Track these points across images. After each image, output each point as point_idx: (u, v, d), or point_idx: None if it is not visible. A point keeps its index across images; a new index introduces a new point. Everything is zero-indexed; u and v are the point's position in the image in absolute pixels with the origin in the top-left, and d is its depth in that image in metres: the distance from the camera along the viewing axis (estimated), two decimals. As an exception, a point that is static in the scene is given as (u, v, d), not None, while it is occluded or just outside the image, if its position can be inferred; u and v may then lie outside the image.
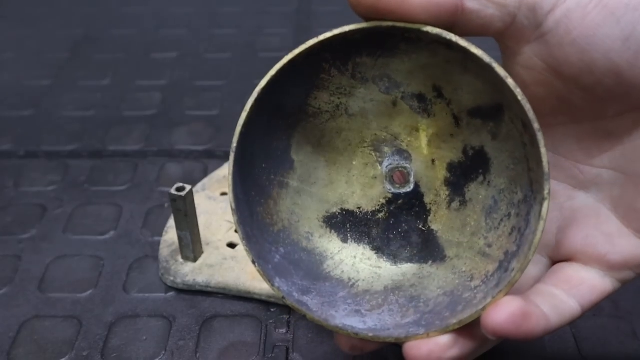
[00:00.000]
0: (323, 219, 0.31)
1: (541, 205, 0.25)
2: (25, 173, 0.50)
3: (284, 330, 0.37)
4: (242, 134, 0.27)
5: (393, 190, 0.31)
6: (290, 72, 0.27)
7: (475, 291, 0.27)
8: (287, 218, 0.31)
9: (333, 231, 0.31)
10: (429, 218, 0.30)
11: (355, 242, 0.31)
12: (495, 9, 0.26)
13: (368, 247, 0.31)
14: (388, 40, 0.27)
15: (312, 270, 0.30)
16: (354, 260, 0.31)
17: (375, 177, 0.31)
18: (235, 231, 0.42)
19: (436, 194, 0.30)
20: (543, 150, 0.24)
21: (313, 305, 0.28)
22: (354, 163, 0.31)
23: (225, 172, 0.48)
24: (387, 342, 0.27)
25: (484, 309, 0.25)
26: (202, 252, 0.41)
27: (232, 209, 0.27)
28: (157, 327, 0.38)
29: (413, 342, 0.27)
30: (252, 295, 0.39)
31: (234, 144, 0.27)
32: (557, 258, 0.29)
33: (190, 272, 0.40)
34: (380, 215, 0.31)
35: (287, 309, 0.39)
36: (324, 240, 0.31)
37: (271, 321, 0.38)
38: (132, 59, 0.64)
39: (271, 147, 0.30)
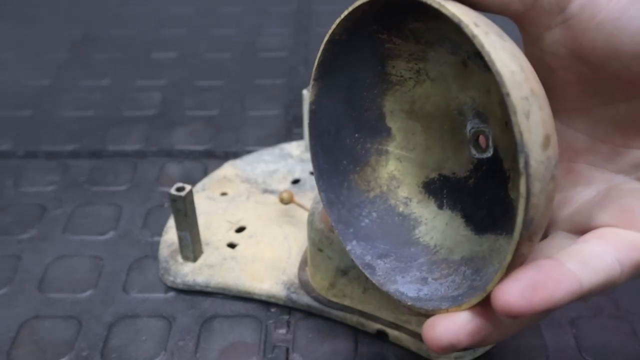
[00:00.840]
0: (422, 185, 0.32)
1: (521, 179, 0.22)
2: (24, 173, 0.50)
3: (283, 331, 0.37)
4: (312, 111, 0.30)
5: (477, 155, 0.30)
6: (350, 46, 0.29)
7: None
8: (386, 184, 0.32)
9: (431, 197, 0.32)
10: (508, 186, 0.29)
11: (449, 208, 0.31)
12: None
13: (459, 214, 0.31)
14: (419, 5, 0.26)
15: (402, 235, 0.31)
16: (444, 227, 0.31)
17: (463, 142, 0.31)
18: (236, 231, 0.42)
19: (512, 159, 0.29)
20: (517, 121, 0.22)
21: (380, 269, 0.29)
22: (445, 127, 0.31)
23: (224, 172, 0.47)
24: (421, 311, 0.27)
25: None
26: (202, 252, 0.41)
27: (315, 179, 0.30)
28: (157, 327, 0.38)
29: (430, 320, 0.25)
30: (252, 296, 0.39)
31: (306, 121, 0.29)
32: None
33: (190, 272, 0.40)
34: (471, 181, 0.31)
35: (287, 309, 0.39)
36: (421, 205, 0.32)
37: (271, 321, 0.38)
38: (132, 59, 0.64)
39: (362, 118, 0.31)
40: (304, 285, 0.38)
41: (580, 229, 0.27)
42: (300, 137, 0.52)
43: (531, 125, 0.22)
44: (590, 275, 0.23)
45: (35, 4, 0.74)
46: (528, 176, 0.21)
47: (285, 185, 0.46)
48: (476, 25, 0.22)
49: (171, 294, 0.40)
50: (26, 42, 0.67)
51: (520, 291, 0.22)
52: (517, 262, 0.23)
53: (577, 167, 0.28)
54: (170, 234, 0.42)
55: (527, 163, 0.21)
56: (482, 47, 0.22)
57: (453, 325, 0.24)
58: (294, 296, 0.38)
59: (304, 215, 0.43)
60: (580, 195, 0.28)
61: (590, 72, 0.25)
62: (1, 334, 0.37)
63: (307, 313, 0.38)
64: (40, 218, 0.45)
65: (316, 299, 0.38)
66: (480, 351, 0.35)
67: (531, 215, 0.22)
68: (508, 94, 0.21)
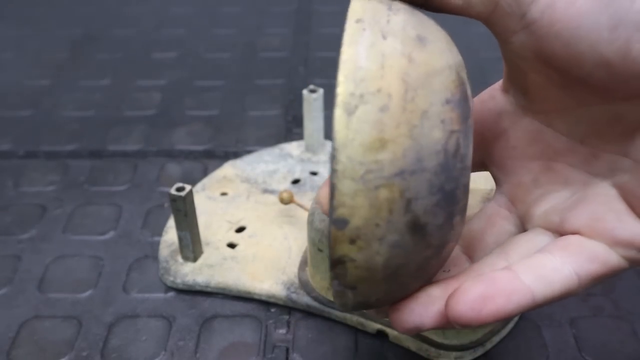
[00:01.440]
0: None
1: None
2: (25, 173, 0.50)
3: (283, 331, 0.37)
4: None
5: None
6: None
7: None
8: None
9: None
10: None
11: None
12: None
13: None
14: None
15: None
16: None
17: None
18: (236, 231, 0.42)
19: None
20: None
21: None
22: None
23: (224, 172, 0.47)
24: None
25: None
26: (202, 252, 0.41)
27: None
28: (157, 327, 0.38)
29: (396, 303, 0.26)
30: (252, 296, 0.39)
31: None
32: (563, 233, 0.27)
33: (190, 272, 0.40)
34: None
35: (287, 309, 0.39)
36: None
37: (271, 321, 0.38)
38: (132, 59, 0.64)
39: None
40: (304, 285, 0.38)
41: (554, 229, 0.27)
42: (300, 137, 0.52)
43: (353, 121, 0.20)
44: (545, 287, 0.24)
45: (35, 4, 0.74)
46: (334, 171, 0.21)
47: (285, 185, 0.46)
48: (359, 21, 0.22)
49: (171, 294, 0.40)
50: (26, 42, 0.67)
51: (470, 302, 0.23)
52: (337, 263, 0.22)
53: (557, 166, 0.29)
54: (170, 234, 0.42)
55: (334, 157, 0.21)
56: (343, 41, 0.21)
57: (417, 307, 0.25)
58: (294, 296, 0.38)
59: (304, 215, 0.43)
60: (557, 194, 0.28)
61: (558, 76, 0.25)
62: (1, 334, 0.37)
63: (307, 313, 0.38)
64: (41, 218, 0.45)
65: (316, 299, 0.38)
66: (480, 351, 0.35)
67: (341, 213, 0.21)
68: (337, 86, 0.21)
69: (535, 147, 0.29)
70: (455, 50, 0.24)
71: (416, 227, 0.22)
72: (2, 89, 0.60)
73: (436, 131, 0.22)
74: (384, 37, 0.22)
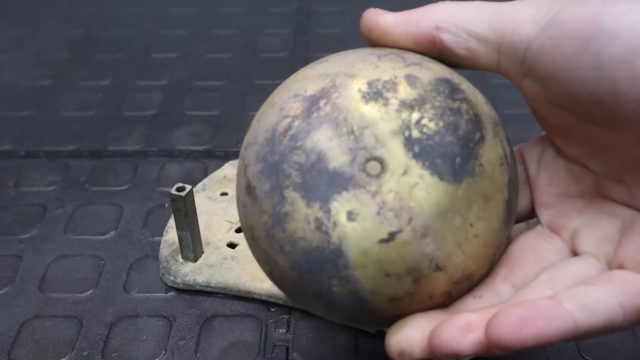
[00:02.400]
0: None
1: None
2: (25, 173, 0.50)
3: (284, 330, 0.37)
4: None
5: None
6: None
7: None
8: None
9: None
10: None
11: None
12: (477, 43, 0.27)
13: None
14: None
15: None
16: None
17: None
18: (236, 231, 0.42)
19: None
20: None
21: None
22: None
23: (225, 172, 0.48)
24: None
25: None
26: (202, 252, 0.41)
27: None
28: (158, 327, 0.38)
29: (392, 327, 0.27)
30: (252, 295, 0.39)
31: None
32: (612, 267, 0.27)
33: (190, 272, 0.40)
34: None
35: (287, 309, 0.39)
36: None
37: (271, 321, 0.38)
38: (132, 59, 0.64)
39: None
40: (304, 285, 0.38)
41: (604, 258, 0.27)
42: (300, 137, 0.52)
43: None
44: (588, 317, 0.24)
45: (35, 4, 0.75)
46: None
47: (285, 185, 0.46)
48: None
49: (171, 293, 0.40)
50: (26, 42, 0.67)
51: (509, 325, 0.23)
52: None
53: (601, 201, 0.28)
54: (171, 234, 0.42)
55: None
56: None
57: (456, 333, 0.24)
58: (294, 296, 0.38)
59: (304, 215, 0.43)
60: (606, 222, 0.28)
61: (568, 116, 0.26)
62: (2, 334, 0.37)
63: (307, 313, 0.38)
64: (41, 218, 0.46)
65: (316, 298, 0.38)
66: (480, 351, 0.35)
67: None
68: None
69: (576, 187, 0.29)
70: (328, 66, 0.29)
71: (249, 189, 0.27)
72: (2, 89, 0.60)
73: (273, 116, 0.27)
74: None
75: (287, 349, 0.36)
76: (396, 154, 0.25)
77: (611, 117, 0.24)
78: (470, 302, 0.27)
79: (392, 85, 0.26)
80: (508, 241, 0.29)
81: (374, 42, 0.29)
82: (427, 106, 0.26)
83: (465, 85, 0.28)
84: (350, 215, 0.25)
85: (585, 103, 0.24)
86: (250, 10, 0.73)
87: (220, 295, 0.40)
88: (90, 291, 0.40)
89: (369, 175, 0.25)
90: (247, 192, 0.27)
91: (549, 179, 0.30)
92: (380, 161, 0.25)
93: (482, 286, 0.28)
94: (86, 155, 0.52)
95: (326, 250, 0.26)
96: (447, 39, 0.27)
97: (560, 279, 0.27)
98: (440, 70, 0.27)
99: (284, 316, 0.38)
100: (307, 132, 0.26)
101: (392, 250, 0.25)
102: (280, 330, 0.37)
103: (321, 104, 0.26)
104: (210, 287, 0.39)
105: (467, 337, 0.24)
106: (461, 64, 0.28)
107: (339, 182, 0.25)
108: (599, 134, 0.26)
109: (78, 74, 0.62)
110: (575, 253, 0.29)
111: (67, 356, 0.36)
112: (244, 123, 0.54)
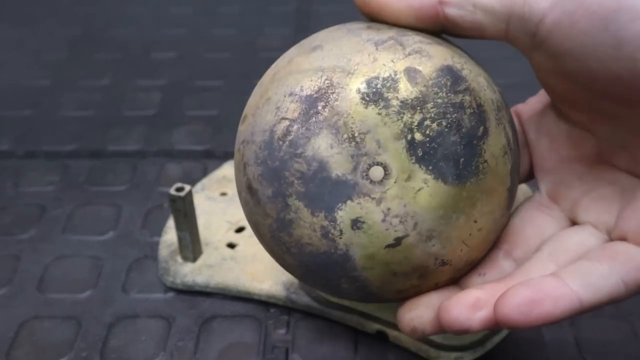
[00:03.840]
0: None
1: None
2: (24, 173, 0.50)
3: (283, 331, 0.37)
4: None
5: None
6: None
7: None
8: None
9: None
10: None
11: None
12: (483, 15, 0.26)
13: None
14: None
15: None
16: None
17: None
18: (235, 231, 0.42)
19: None
20: None
21: None
22: None
23: (224, 172, 0.47)
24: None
25: None
26: (202, 253, 0.41)
27: None
28: (157, 328, 0.38)
29: (405, 304, 0.28)
30: (252, 296, 0.39)
31: None
32: (613, 237, 0.28)
33: (189, 273, 0.40)
34: None
35: (287, 310, 0.39)
36: None
37: (271, 322, 0.38)
38: (132, 59, 0.64)
39: None
40: (304, 285, 0.38)
41: (604, 228, 0.28)
42: (300, 137, 0.52)
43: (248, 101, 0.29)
44: (592, 295, 0.24)
45: (34, 4, 0.74)
46: None
47: (285, 185, 0.46)
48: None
49: (171, 294, 0.40)
50: (25, 42, 0.67)
51: (518, 306, 0.23)
52: None
53: (602, 167, 0.28)
54: (170, 234, 0.42)
55: None
56: None
57: (465, 310, 0.25)
58: (293, 296, 0.38)
59: (304, 215, 0.43)
60: (605, 191, 0.28)
61: (581, 90, 0.25)
62: (0, 335, 0.37)
63: (307, 313, 0.38)
64: (40, 218, 0.45)
65: (316, 299, 0.38)
66: (480, 351, 0.35)
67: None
68: None
69: (577, 152, 0.29)
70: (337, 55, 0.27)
71: (251, 190, 0.27)
72: (1, 89, 0.60)
73: (269, 115, 0.26)
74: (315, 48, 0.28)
75: (287, 349, 0.36)
76: (399, 159, 0.25)
77: (627, 95, 0.24)
78: (474, 279, 0.28)
79: (392, 83, 0.25)
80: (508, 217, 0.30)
81: (371, 16, 0.28)
82: (429, 105, 0.25)
83: (468, 69, 0.27)
84: (356, 224, 0.25)
85: (602, 80, 0.24)
86: (250, 9, 0.73)
87: (220, 296, 0.39)
88: (89, 292, 0.40)
89: (372, 182, 0.25)
90: (249, 193, 0.27)
91: (549, 144, 0.29)
92: (384, 167, 0.25)
93: (485, 264, 0.29)
94: (85, 155, 0.52)
95: (334, 256, 0.26)
96: (452, 12, 0.26)
97: (563, 251, 0.27)
98: (442, 56, 0.26)
99: (284, 317, 0.38)
100: (306, 139, 0.25)
101: (399, 253, 0.25)
102: (280, 331, 0.37)
103: (319, 106, 0.25)
104: (210, 287, 0.39)
105: (475, 314, 0.25)
106: (466, 35, 0.27)
107: (342, 190, 0.25)
108: (609, 107, 0.25)
109: (77, 73, 0.62)
110: (574, 222, 0.29)
111: (66, 357, 0.36)
112: (244, 123, 0.54)
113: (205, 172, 0.49)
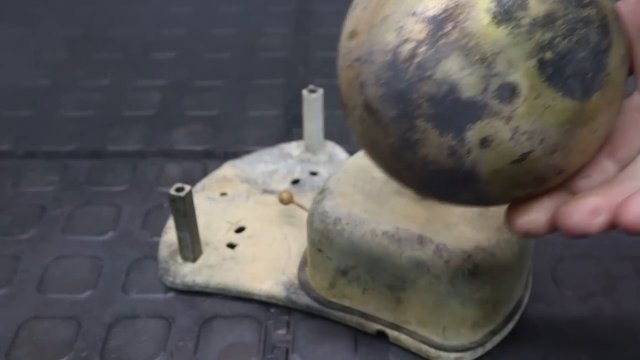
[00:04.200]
0: None
1: None
2: (24, 173, 0.50)
3: (283, 331, 0.37)
4: None
5: None
6: None
7: None
8: None
9: None
10: None
11: None
12: None
13: None
14: None
15: None
16: None
17: None
18: (235, 231, 0.42)
19: None
20: None
21: None
22: None
23: (224, 172, 0.47)
24: None
25: None
26: (202, 253, 0.41)
27: None
28: (156, 328, 0.38)
29: (513, 208, 0.29)
30: (252, 296, 0.39)
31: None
32: None
33: (189, 273, 0.40)
34: None
35: (287, 310, 0.39)
36: None
37: (271, 322, 0.38)
38: (132, 59, 0.64)
39: None
40: (304, 285, 0.38)
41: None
42: (299, 137, 0.52)
43: (349, 17, 0.27)
44: None
45: (34, 4, 0.74)
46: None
47: (284, 185, 0.46)
48: None
49: (170, 294, 0.40)
50: (25, 42, 0.67)
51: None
52: None
53: None
54: (170, 234, 0.42)
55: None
56: None
57: (584, 215, 0.26)
58: (293, 297, 0.38)
59: (304, 215, 0.43)
60: None
61: None
62: (0, 335, 0.37)
63: (307, 313, 0.38)
64: (40, 218, 0.45)
65: (316, 299, 0.38)
66: (480, 351, 0.35)
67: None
68: None
69: None
70: None
71: (370, 109, 0.26)
72: (1, 89, 0.60)
73: (390, 35, 0.25)
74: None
75: (287, 350, 0.36)
76: (530, 78, 0.25)
77: None
78: (581, 182, 0.29)
79: (522, 0, 0.25)
80: None
81: None
82: (559, 22, 0.25)
83: None
84: (484, 142, 0.25)
85: None
86: (250, 9, 0.73)
87: (220, 296, 0.39)
88: (89, 292, 0.40)
89: (502, 102, 0.25)
90: (368, 112, 0.27)
91: None
92: (514, 86, 0.25)
93: (590, 165, 0.29)
94: (85, 155, 0.52)
95: (458, 172, 0.26)
96: None
97: None
98: None
99: (284, 317, 0.38)
100: (436, 61, 0.25)
101: (523, 167, 0.26)
102: (280, 331, 0.37)
103: (447, 28, 0.25)
104: (210, 287, 0.39)
105: (595, 220, 0.26)
106: None
107: (472, 111, 0.25)
108: None
109: (77, 73, 0.62)
110: None
111: (66, 357, 0.36)
112: (244, 123, 0.54)
113: (205, 172, 0.49)
